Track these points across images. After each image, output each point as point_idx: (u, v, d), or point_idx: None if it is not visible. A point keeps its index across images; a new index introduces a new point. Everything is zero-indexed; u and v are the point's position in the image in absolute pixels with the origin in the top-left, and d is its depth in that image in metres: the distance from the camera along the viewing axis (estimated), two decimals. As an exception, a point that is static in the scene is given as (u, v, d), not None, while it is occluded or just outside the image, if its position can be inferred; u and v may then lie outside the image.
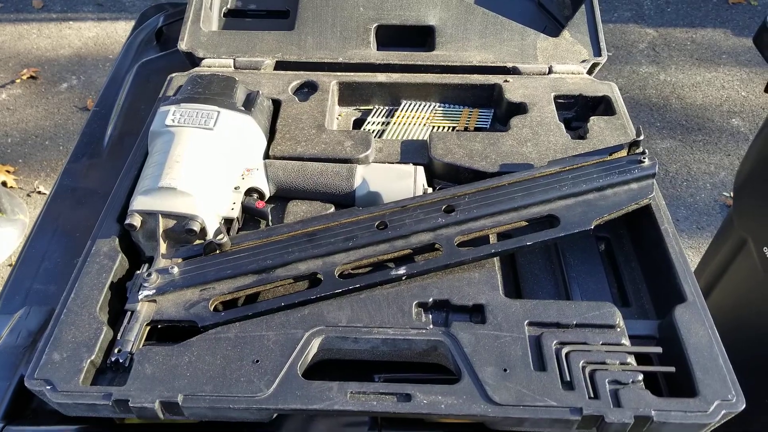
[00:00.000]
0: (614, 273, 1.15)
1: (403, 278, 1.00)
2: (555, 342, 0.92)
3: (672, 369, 0.90)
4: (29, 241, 1.22)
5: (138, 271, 1.02)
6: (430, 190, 1.15)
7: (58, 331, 0.92)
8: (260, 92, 1.26)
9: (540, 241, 1.03)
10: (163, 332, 0.99)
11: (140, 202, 1.04)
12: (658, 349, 0.92)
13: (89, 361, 0.89)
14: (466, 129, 1.38)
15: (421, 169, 1.17)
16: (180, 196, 1.04)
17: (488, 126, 1.40)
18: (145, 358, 0.90)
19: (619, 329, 0.94)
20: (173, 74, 1.40)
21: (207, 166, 1.10)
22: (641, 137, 1.13)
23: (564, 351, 0.91)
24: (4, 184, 2.93)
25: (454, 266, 1.01)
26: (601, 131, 1.28)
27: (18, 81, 3.49)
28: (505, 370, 0.89)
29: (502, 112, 1.39)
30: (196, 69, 1.42)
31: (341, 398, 0.85)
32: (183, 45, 1.45)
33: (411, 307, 0.96)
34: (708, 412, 0.84)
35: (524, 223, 1.07)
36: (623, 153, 1.15)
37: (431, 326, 0.94)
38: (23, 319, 1.06)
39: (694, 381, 0.88)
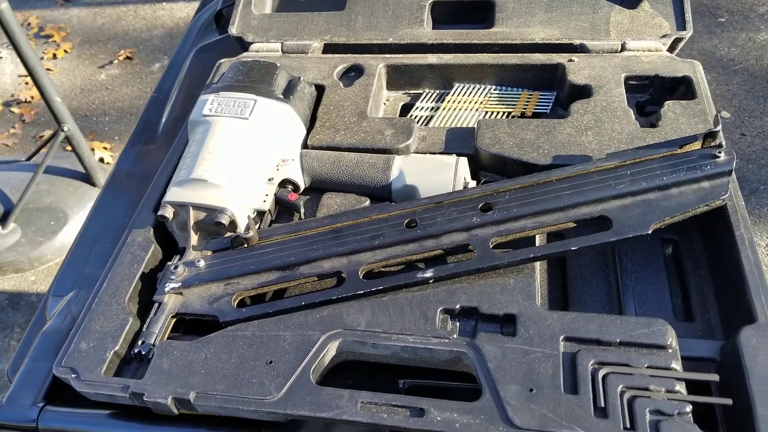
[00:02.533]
0: (680, 281, 1.02)
1: (430, 281, 0.93)
2: (592, 362, 0.82)
3: (729, 401, 0.78)
4: (84, 226, 1.27)
5: (169, 263, 1.02)
6: (473, 183, 1.07)
7: (87, 320, 0.95)
8: (301, 78, 1.23)
9: (587, 245, 0.92)
10: (190, 324, 1.00)
11: (173, 193, 1.04)
12: (715, 377, 0.80)
13: (113, 351, 0.91)
14: (522, 114, 1.27)
15: (463, 161, 1.09)
16: (211, 188, 1.03)
17: (548, 111, 1.28)
18: (164, 353, 0.90)
19: (671, 350, 0.83)
20: (222, 60, 1.39)
21: (240, 157, 1.08)
22: (718, 127, 0.98)
23: (601, 373, 0.81)
24: (101, 160, 3.12)
25: (486, 270, 0.93)
26: (677, 118, 1.13)
27: (115, 62, 3.69)
28: (531, 390, 0.81)
29: (565, 96, 1.27)
30: (245, 54, 1.40)
31: (351, 408, 0.81)
32: (234, 29, 1.44)
33: (436, 313, 0.90)
34: (768, 458, 0.72)
35: (571, 225, 0.96)
36: (696, 145, 1.00)
37: (455, 336, 0.87)
38: (71, 303, 1.10)
39: (754, 418, 0.75)
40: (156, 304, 0.97)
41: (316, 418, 0.82)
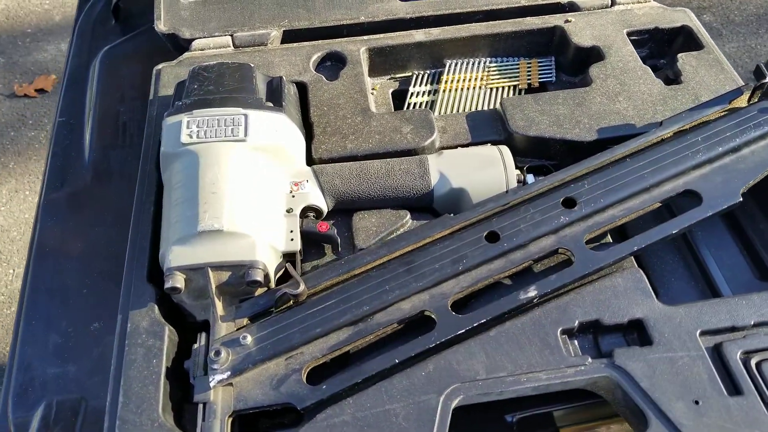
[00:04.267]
0: (745, 243, 0.98)
1: (534, 301, 0.80)
2: (740, 352, 0.75)
3: None
4: (22, 319, 0.95)
5: (195, 345, 0.78)
6: (530, 177, 0.94)
7: (117, 455, 0.69)
8: (282, 78, 1.00)
9: (687, 225, 0.84)
10: (246, 420, 0.78)
11: (178, 255, 0.79)
12: None
13: (172, 488, 0.67)
14: (530, 86, 1.15)
15: (507, 150, 0.95)
16: (229, 239, 0.80)
17: (553, 78, 1.18)
18: (246, 471, 0.68)
19: (806, 324, 0.77)
20: (160, 66, 1.10)
21: (251, 191, 0.85)
22: (767, 78, 0.93)
23: (753, 361, 0.74)
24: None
25: (591, 274, 0.82)
26: (695, 71, 1.08)
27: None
28: (697, 402, 0.71)
29: (569, 60, 1.16)
30: (187, 55, 1.13)
31: (514, 481, 0.67)
32: (161, 25, 1.15)
33: (556, 337, 0.77)
34: None
35: (657, 205, 0.87)
36: (744, 99, 0.95)
37: (590, 360, 0.75)
38: (50, 424, 0.82)
39: None
40: (201, 406, 0.73)
41: (476, 504, 0.66)
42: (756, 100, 0.94)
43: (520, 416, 0.84)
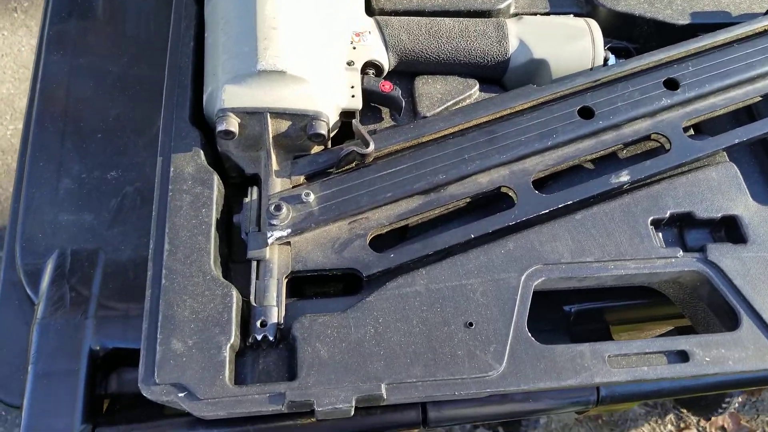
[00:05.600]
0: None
1: (625, 186, 0.73)
2: (838, 255, 0.70)
3: None
4: (27, 159, 0.83)
5: (246, 199, 0.69)
6: (612, 58, 0.84)
7: (165, 304, 0.61)
8: None
9: (793, 121, 0.77)
10: (295, 284, 0.70)
11: (234, 95, 0.68)
12: None
13: (229, 346, 0.60)
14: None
15: (595, 24, 0.84)
16: (292, 83, 0.69)
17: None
18: (312, 334, 0.61)
19: None
20: None
21: (315, 33, 0.73)
22: None
23: None
24: None
25: (689, 164, 0.75)
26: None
27: None
28: (791, 305, 0.67)
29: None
30: None
31: (601, 367, 0.62)
32: None
33: (647, 226, 0.70)
34: None
35: (757, 99, 0.80)
36: None
37: (681, 253, 0.69)
38: (71, 269, 0.73)
39: None
40: (254, 263, 0.65)
41: (561, 387, 0.61)
42: None
43: (579, 308, 0.80)
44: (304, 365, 0.59)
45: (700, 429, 1.54)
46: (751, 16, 0.86)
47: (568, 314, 0.80)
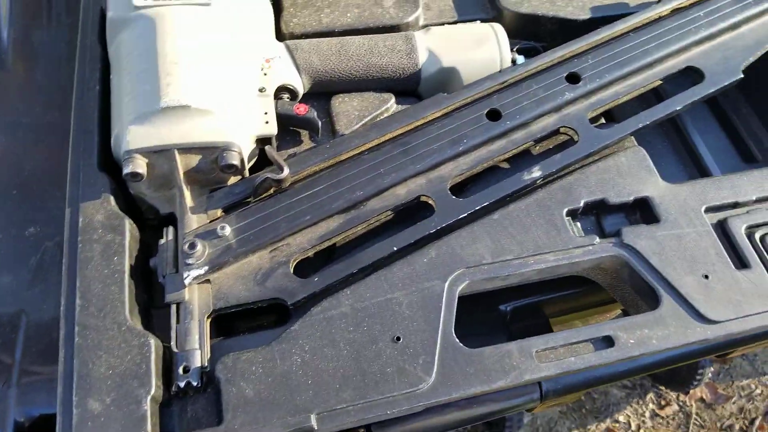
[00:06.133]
0: (728, 128, 0.96)
1: (538, 182, 0.74)
2: (744, 227, 0.73)
3: None
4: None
5: (162, 240, 0.68)
6: (520, 58, 0.86)
7: (79, 363, 0.59)
8: (242, -59, 0.86)
9: (690, 102, 0.80)
10: (218, 318, 0.69)
11: (138, 135, 0.67)
12: None
13: (149, 398, 0.58)
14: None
15: (500, 28, 0.87)
16: (199, 116, 0.68)
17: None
18: (237, 373, 0.60)
19: (803, 196, 0.76)
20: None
21: (220, 63, 0.73)
22: (766, -51, 0.88)
23: (757, 235, 0.72)
24: None
25: (597, 153, 0.77)
26: (685, -51, 1.02)
27: None
28: (706, 276, 0.69)
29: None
30: None
31: (529, 363, 0.63)
32: None
33: (562, 218, 0.72)
34: None
35: (658, 83, 0.82)
36: (741, -27, 0.90)
37: (598, 240, 0.71)
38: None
39: None
40: (174, 307, 0.64)
41: (491, 390, 0.62)
42: (754, -26, 0.89)
43: (514, 305, 0.81)
44: (229, 407, 0.58)
45: (681, 403, 1.57)
46: (647, 5, 0.89)
47: (504, 313, 0.81)
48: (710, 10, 0.85)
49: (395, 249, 0.69)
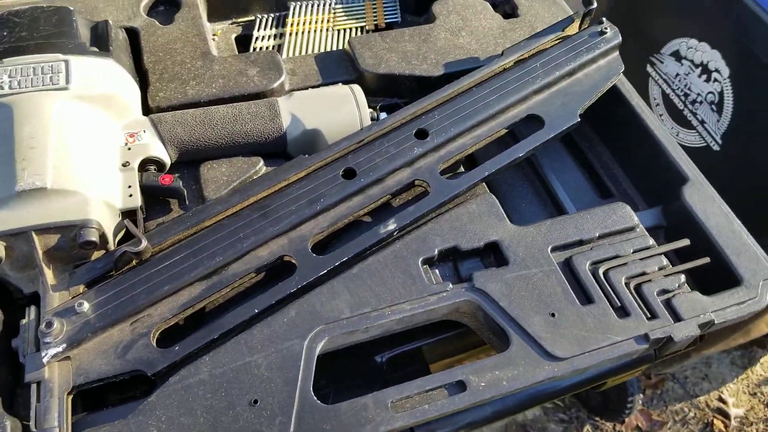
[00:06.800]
0: (585, 165, 1.04)
1: (395, 233, 0.79)
2: (588, 264, 0.79)
3: (707, 260, 0.82)
4: None
5: (23, 321, 0.69)
6: (383, 114, 0.92)
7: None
8: (109, 22, 0.89)
9: (532, 148, 0.87)
10: (89, 391, 0.70)
11: (-7, 220, 0.69)
12: (686, 242, 0.83)
13: (3, 485, 0.59)
14: (376, 27, 1.13)
15: (359, 88, 0.92)
16: (56, 197, 0.70)
17: (398, 18, 1.16)
18: (94, 449, 0.61)
19: (638, 229, 0.83)
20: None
21: (77, 144, 0.75)
22: (594, 5, 0.98)
23: (600, 271, 0.78)
24: None
25: (447, 203, 0.82)
26: (530, 5, 1.11)
27: None
28: (553, 315, 0.74)
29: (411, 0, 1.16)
30: (-12, 1, 0.97)
31: (384, 414, 0.66)
32: (-48, -34, 0.98)
33: (418, 267, 0.76)
34: (758, 298, 0.78)
35: (503, 131, 0.89)
36: (575, 26, 1.00)
37: (451, 286, 0.75)
38: None
39: (732, 267, 0.81)
40: (34, 386, 0.65)
41: (347, 443, 0.65)
42: (586, 26, 0.99)
43: (389, 355, 0.84)
44: (85, 481, 0.59)
45: (618, 433, 1.60)
46: (493, 58, 0.96)
47: (380, 364, 0.84)
48: (546, 60, 0.93)
49: (256, 311, 0.71)
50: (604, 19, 0.98)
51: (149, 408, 0.64)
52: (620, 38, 0.97)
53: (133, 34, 0.96)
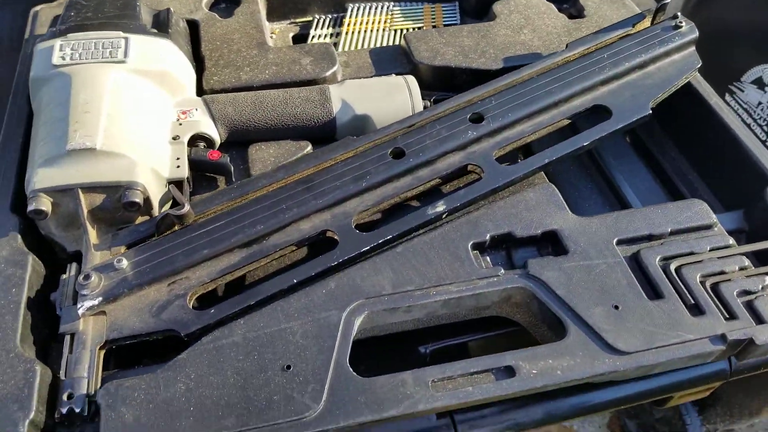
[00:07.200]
0: (655, 168, 0.97)
1: (444, 216, 0.75)
2: (658, 258, 0.72)
3: (794, 262, 0.73)
4: None
5: (64, 275, 0.68)
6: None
7: (-39, 390, 0.58)
8: (171, 10, 0.92)
9: (597, 138, 0.82)
10: (126, 354, 0.68)
11: (44, 176, 0.70)
12: (772, 242, 0.75)
13: (28, 422, 0.57)
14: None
15: (412, 78, 0.90)
16: (104, 158, 0.71)
17: (458, 21, 1.15)
18: (118, 399, 0.58)
19: (716, 228, 0.76)
20: (37, 7, 1.01)
21: (129, 113, 0.76)
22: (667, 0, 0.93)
23: (672, 267, 0.71)
24: None
25: (501, 189, 0.78)
26: (598, 7, 1.08)
27: None
28: (617, 307, 0.67)
29: (472, 4, 1.15)
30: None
31: (424, 392, 0.60)
32: (38, -38, 1.05)
33: (467, 251, 0.72)
34: None
35: (566, 122, 0.85)
36: (647, 22, 0.95)
37: (503, 271, 0.70)
38: None
39: (822, 270, 0.72)
40: (68, 338, 0.63)
41: (383, 419, 0.59)
42: (659, 21, 0.94)
43: (434, 347, 0.79)
44: (107, 430, 0.56)
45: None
46: (557, 54, 0.93)
47: (424, 355, 0.78)
48: (614, 52, 0.88)
49: (295, 281, 0.68)
50: (678, 14, 0.93)
51: (179, 365, 0.61)
52: (697, 33, 0.91)
53: (193, 26, 0.99)
